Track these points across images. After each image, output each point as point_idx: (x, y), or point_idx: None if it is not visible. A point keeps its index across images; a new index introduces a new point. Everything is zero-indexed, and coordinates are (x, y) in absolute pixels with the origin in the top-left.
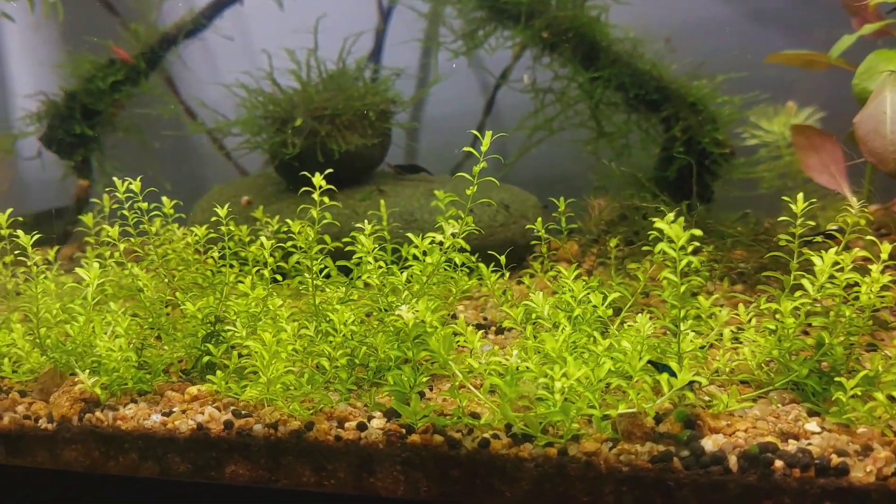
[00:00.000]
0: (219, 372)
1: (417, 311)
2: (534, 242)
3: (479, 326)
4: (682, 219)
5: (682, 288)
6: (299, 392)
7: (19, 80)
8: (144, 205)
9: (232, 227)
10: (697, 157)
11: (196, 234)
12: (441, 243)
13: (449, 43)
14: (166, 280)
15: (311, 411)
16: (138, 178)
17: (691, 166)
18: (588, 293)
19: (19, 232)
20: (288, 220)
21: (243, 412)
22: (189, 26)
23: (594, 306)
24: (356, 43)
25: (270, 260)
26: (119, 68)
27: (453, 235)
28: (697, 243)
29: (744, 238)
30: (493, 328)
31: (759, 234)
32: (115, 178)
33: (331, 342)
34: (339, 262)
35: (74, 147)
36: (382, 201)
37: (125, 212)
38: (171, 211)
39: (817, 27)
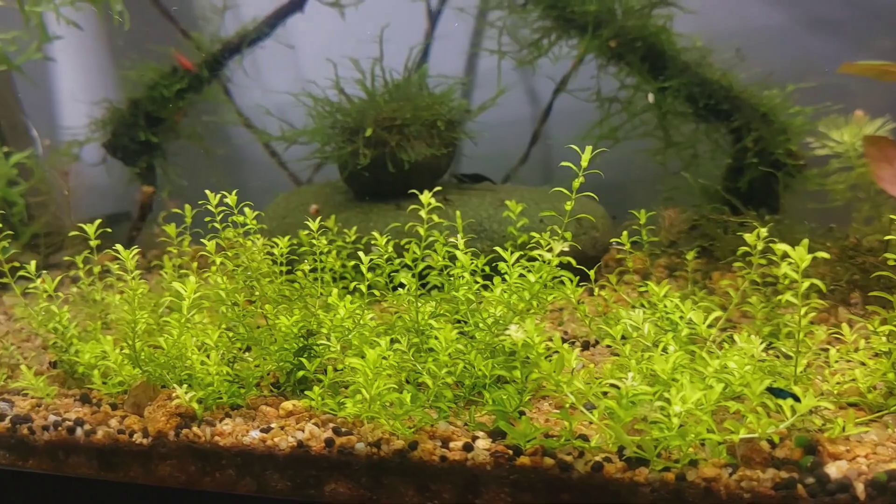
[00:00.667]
0: (315, 388)
1: (526, 330)
2: (619, 256)
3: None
4: (806, 241)
5: (803, 310)
6: (402, 410)
7: (64, 86)
8: (240, 218)
9: (322, 239)
10: (770, 168)
11: (279, 246)
12: (531, 258)
13: (501, 51)
14: (257, 293)
15: (413, 429)
16: (234, 192)
17: (762, 177)
18: (683, 311)
19: (118, 246)
20: (376, 234)
21: (343, 429)
22: (252, 35)
23: (693, 324)
24: (401, 50)
25: (369, 275)
26: (182, 76)
27: (562, 253)
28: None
29: (832, 253)
30: (577, 343)
31: (846, 249)
32: (207, 192)
33: (433, 359)
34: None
35: (139, 154)
36: (458, 213)
37: (216, 224)
38: (254, 222)
39: (879, 36)
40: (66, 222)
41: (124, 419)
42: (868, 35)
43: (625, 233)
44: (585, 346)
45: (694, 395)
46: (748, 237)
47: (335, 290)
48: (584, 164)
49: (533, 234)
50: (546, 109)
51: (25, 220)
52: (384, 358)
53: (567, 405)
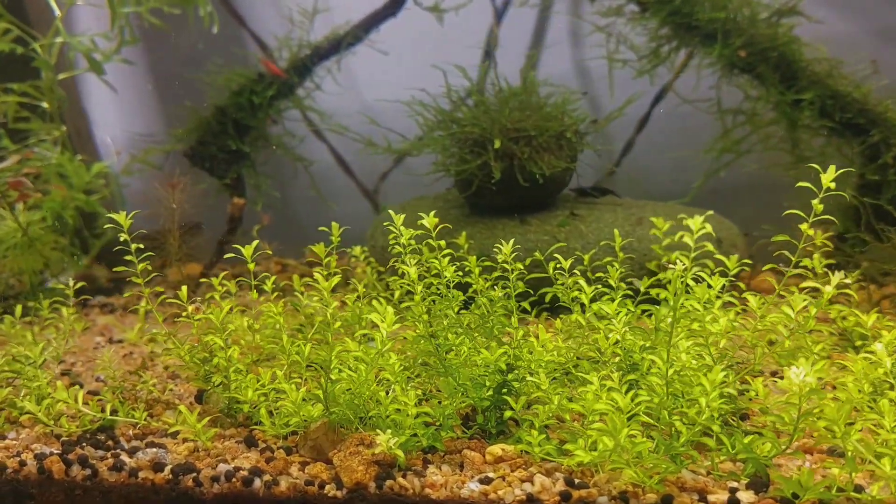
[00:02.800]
0: (533, 431)
1: (805, 374)
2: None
3: None
4: None
5: None
6: (649, 459)
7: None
8: (441, 241)
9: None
10: None
11: (443, 269)
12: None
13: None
14: (443, 322)
15: (656, 480)
16: (433, 214)
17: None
18: None
19: (318, 275)
20: (559, 257)
21: (576, 481)
22: (349, 39)
23: None
24: (463, 53)
25: (595, 307)
26: (271, 82)
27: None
28: None
29: None
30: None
31: None
32: (391, 212)
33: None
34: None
35: (227, 163)
36: (616, 231)
37: (401, 247)
38: (454, 245)
39: None
40: (169, 237)
41: (306, 467)
42: None
43: (816, 255)
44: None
45: None
46: None
47: (514, 319)
48: (827, 183)
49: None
50: (643, 119)
51: (99, 232)
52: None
53: (849, 453)
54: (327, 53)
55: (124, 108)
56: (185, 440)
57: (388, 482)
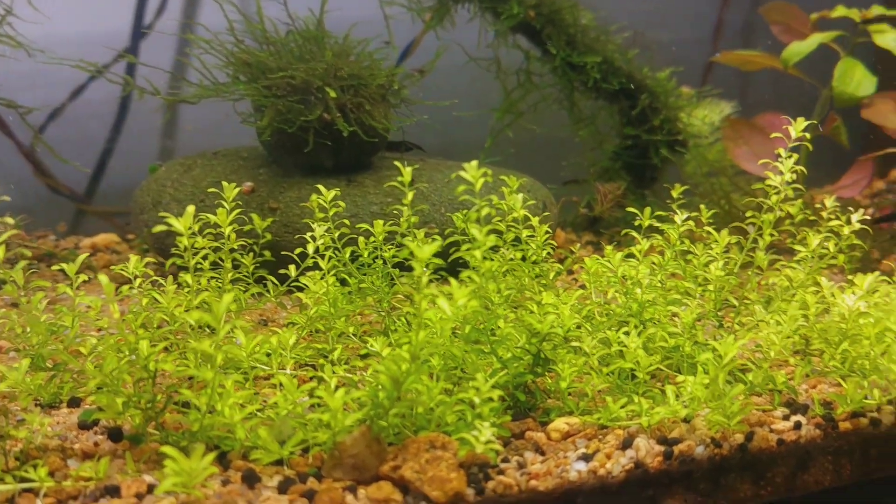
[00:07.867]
0: (608, 399)
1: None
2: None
3: None
4: None
5: None
6: (735, 405)
7: None
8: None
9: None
10: (667, 145)
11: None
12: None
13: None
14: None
15: (736, 420)
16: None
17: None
18: None
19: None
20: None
21: (669, 437)
22: None
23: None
24: None
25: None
26: None
27: None
28: None
29: None
30: None
31: None
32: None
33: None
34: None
35: None
36: (506, 190)
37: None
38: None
39: None
40: None
41: (357, 492)
42: None
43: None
44: None
45: None
46: None
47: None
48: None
49: None
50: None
51: None
52: None
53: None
54: None
55: None
56: (138, 495)
57: (490, 483)
